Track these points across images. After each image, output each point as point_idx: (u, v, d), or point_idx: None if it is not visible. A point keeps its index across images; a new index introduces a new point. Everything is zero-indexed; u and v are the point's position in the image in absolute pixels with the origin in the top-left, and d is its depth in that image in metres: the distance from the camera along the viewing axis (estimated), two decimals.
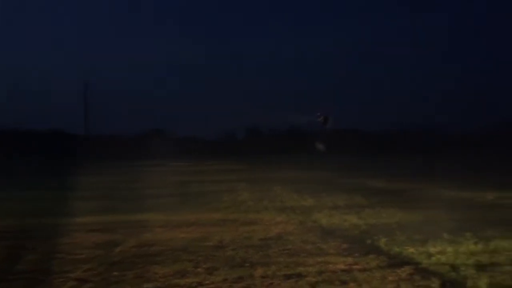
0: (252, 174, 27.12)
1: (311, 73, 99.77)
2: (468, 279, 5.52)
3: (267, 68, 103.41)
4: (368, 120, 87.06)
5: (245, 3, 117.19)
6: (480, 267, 5.96)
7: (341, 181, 20.05)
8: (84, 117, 60.03)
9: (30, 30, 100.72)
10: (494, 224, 8.70)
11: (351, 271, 5.97)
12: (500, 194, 13.64)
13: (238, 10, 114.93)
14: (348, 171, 26.23)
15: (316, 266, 6.24)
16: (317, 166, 29.94)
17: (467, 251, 6.81)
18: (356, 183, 18.79)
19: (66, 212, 11.83)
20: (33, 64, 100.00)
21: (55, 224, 10.04)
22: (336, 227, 9.07)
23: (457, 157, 38.46)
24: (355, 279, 5.64)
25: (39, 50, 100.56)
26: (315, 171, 26.57)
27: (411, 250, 6.99)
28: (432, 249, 6.97)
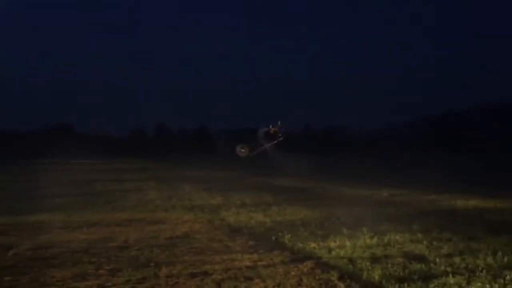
0: (161, 172, 26.63)
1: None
2: (363, 271, 5.88)
3: None
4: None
5: None
6: (375, 260, 6.38)
7: (249, 179, 20.38)
8: None
9: None
10: (388, 219, 9.35)
11: (256, 267, 6.09)
12: (394, 191, 14.70)
13: None
14: (257, 170, 26.70)
15: (222, 263, 6.28)
16: (227, 165, 30.12)
17: (363, 245, 7.25)
18: (264, 182, 19.20)
19: None
20: None
21: None
22: (243, 224, 9.20)
23: (358, 157, 40.83)
24: (259, 275, 5.76)
25: None
26: (225, 170, 26.71)
27: (313, 245, 7.29)
28: (332, 244, 7.33)
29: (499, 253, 6.50)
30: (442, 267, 5.96)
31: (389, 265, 6.07)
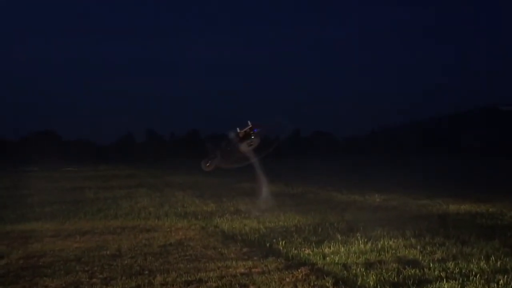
0: (151, 179, 26.49)
1: None
2: (358, 276, 5.89)
3: None
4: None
5: None
6: (369, 265, 6.40)
7: (242, 185, 20.33)
8: None
9: None
10: (382, 224, 9.37)
11: (251, 274, 6.08)
12: (387, 196, 14.75)
13: None
14: (249, 176, 26.65)
15: (217, 271, 6.26)
16: (218, 171, 30.02)
17: (357, 251, 7.27)
18: (256, 188, 19.13)
19: None
20: None
21: None
22: (237, 231, 9.17)
23: (346, 160, 40.98)
24: (254, 282, 5.75)
25: None
26: (217, 176, 26.61)
27: (308, 251, 7.30)
28: (326, 250, 7.34)
29: (492, 258, 6.55)
30: (436, 272, 5.98)
31: (383, 271, 6.08)
